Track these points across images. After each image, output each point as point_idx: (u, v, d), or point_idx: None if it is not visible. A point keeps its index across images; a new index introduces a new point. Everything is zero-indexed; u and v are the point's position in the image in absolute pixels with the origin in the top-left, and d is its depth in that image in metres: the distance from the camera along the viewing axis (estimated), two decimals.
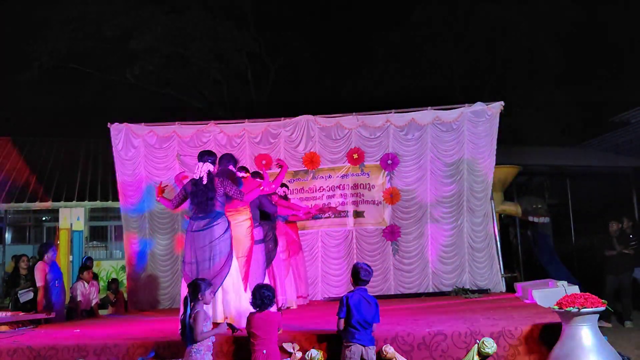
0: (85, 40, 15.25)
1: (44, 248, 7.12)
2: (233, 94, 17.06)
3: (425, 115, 8.40)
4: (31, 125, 16.09)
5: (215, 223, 4.90)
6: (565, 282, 6.32)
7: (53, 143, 14.03)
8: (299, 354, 4.39)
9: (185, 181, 5.24)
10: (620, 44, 15.93)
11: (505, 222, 11.51)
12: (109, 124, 8.49)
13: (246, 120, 8.72)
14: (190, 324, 3.97)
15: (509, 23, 15.73)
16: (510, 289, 7.88)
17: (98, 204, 11.58)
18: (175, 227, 8.40)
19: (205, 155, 5.13)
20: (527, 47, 16.23)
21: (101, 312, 8.25)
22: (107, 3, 15.07)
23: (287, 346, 4.42)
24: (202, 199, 4.90)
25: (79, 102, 16.45)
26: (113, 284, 9.02)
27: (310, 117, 8.61)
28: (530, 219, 10.68)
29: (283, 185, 7.26)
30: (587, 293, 4.22)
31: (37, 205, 11.43)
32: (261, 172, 6.22)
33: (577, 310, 4.02)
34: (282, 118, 8.65)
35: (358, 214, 8.54)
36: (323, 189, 8.58)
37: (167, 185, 5.74)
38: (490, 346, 4.26)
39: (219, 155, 5.42)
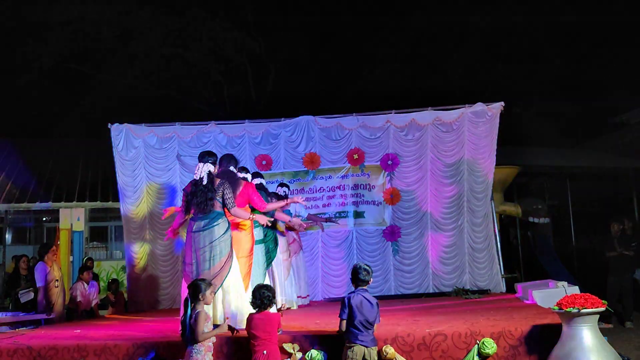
0: (86, 41, 15.25)
1: (44, 249, 7.13)
2: (233, 94, 17.05)
3: (426, 116, 8.41)
4: (31, 125, 16.09)
5: (215, 223, 4.89)
6: (566, 283, 6.31)
7: (53, 143, 14.02)
8: (299, 355, 4.39)
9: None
10: (620, 44, 15.92)
11: (506, 223, 11.50)
12: (109, 124, 8.51)
13: (246, 120, 8.73)
14: (191, 324, 3.97)
15: (509, 23, 15.72)
16: (510, 289, 7.89)
17: (98, 204, 11.55)
18: None
19: (206, 156, 5.13)
20: (527, 48, 16.22)
21: (101, 312, 8.25)
22: (107, 3, 15.06)
23: (288, 347, 4.42)
24: (202, 200, 4.90)
25: (79, 102, 16.44)
26: (113, 284, 9.02)
27: (310, 117, 8.62)
28: (531, 219, 10.69)
29: (284, 185, 7.26)
30: (588, 293, 4.21)
31: (38, 205, 11.42)
32: (259, 182, 6.21)
33: (577, 310, 4.01)
34: (283, 118, 8.67)
35: (358, 215, 8.55)
36: (323, 190, 8.58)
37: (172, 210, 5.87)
38: (490, 347, 4.26)
39: (219, 156, 5.43)
